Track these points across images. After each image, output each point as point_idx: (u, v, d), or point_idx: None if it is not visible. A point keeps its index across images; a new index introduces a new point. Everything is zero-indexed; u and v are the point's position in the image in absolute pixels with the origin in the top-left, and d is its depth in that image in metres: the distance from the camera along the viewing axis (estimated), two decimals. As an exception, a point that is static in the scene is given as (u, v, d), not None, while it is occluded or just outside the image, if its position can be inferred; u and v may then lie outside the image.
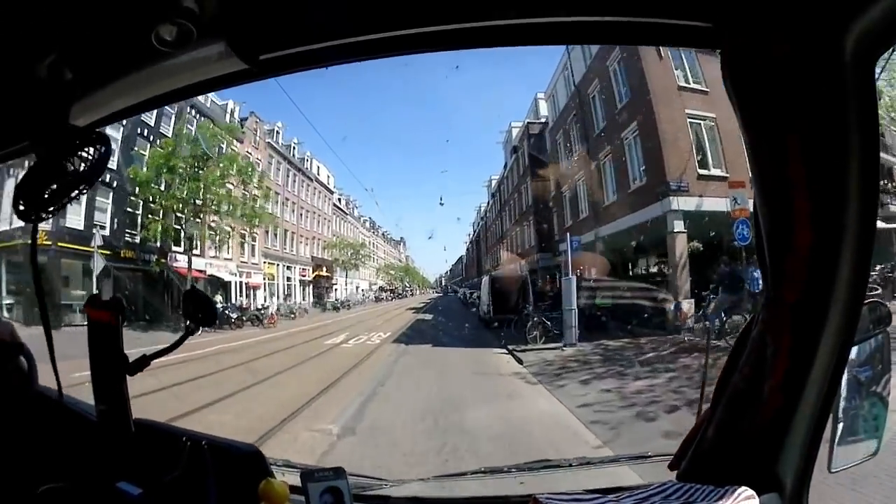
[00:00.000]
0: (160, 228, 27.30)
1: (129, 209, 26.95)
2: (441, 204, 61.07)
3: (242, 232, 33.48)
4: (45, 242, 20.12)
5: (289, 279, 41.75)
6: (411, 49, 1.42)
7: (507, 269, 35.07)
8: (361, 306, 46.58)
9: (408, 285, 68.05)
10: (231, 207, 29.96)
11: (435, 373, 13.71)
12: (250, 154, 36.23)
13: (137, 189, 26.40)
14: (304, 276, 43.62)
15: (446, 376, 13.23)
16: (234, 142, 32.68)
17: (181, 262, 29.39)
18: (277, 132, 41.14)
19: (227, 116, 33.98)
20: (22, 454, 1.56)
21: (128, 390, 1.53)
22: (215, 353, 15.57)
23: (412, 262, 73.96)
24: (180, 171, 27.04)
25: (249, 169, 31.65)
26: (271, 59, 1.39)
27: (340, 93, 64.50)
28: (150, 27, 1.18)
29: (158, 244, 28.28)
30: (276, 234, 40.08)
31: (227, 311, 26.66)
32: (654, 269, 22.92)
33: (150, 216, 27.67)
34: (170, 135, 27.92)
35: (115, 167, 24.42)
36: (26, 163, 1.61)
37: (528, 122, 36.73)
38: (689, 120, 20.11)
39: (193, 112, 30.14)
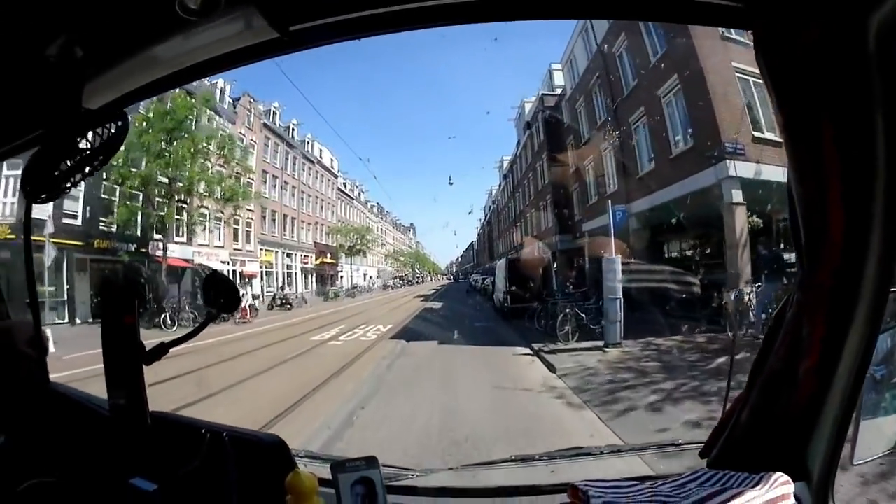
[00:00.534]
0: (128, 213, 24.25)
1: (104, 195, 23.97)
2: (450, 183, 57.60)
3: (221, 214, 30.71)
4: (8, 236, 18.77)
5: (289, 267, 39.31)
6: (443, 20, 1.39)
7: (526, 251, 31.41)
8: (368, 294, 44.11)
9: (418, 272, 65.96)
10: (207, 185, 26.86)
11: (437, 386, 9.92)
12: (244, 135, 33.91)
13: (110, 172, 23.37)
14: (305, 263, 41.27)
15: (453, 392, 9.37)
16: (216, 116, 29.65)
17: (171, 251, 26.65)
18: (274, 112, 38.77)
19: (217, 94, 31.10)
20: (30, 450, 1.52)
21: (144, 381, 1.40)
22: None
23: (422, 249, 72.20)
24: (150, 147, 23.97)
25: (228, 142, 28.46)
26: (302, 30, 1.33)
27: (346, 75, 62.44)
28: None
29: (138, 232, 25.57)
30: (273, 220, 37.61)
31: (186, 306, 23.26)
32: (703, 249, 18.87)
33: (120, 200, 24.60)
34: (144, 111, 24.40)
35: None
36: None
37: (543, 94, 33.48)
38: (736, 74, 16.08)
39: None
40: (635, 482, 1.30)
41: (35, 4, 1.11)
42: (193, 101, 25.53)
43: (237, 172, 30.11)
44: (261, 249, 35.22)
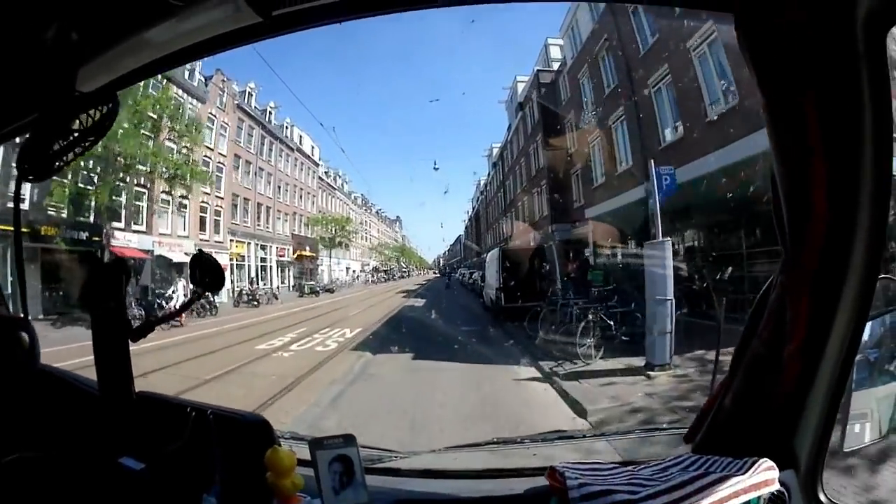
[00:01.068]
0: (62, 192, 20.65)
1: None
2: (435, 168, 53.26)
3: (187, 201, 27.87)
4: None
5: (263, 260, 35.72)
6: (425, 2, 1.42)
7: (523, 241, 27.30)
8: (348, 289, 40.26)
9: (404, 266, 62.21)
10: (150, 162, 23.41)
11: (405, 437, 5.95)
12: (214, 116, 30.80)
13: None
14: (281, 255, 37.64)
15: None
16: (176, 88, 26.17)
17: (127, 241, 23.78)
18: (250, 94, 35.27)
19: (185, 74, 27.84)
20: (17, 426, 1.51)
21: (130, 358, 1.43)
22: None
23: (409, 243, 68.19)
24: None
25: (176, 111, 24.86)
26: (285, 15, 1.36)
27: (327, 58, 58.70)
28: None
29: (91, 219, 22.52)
30: (246, 208, 34.11)
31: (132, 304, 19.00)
32: (754, 233, 14.63)
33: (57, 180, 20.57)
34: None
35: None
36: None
37: (539, 70, 29.68)
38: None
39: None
40: (616, 465, 1.30)
41: None
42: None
43: (187, 147, 26.62)
44: (231, 240, 31.84)
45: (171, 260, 25.67)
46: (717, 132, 13.72)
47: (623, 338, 9.85)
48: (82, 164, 20.58)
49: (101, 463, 1.34)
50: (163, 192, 26.23)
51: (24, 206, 17.85)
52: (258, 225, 35.24)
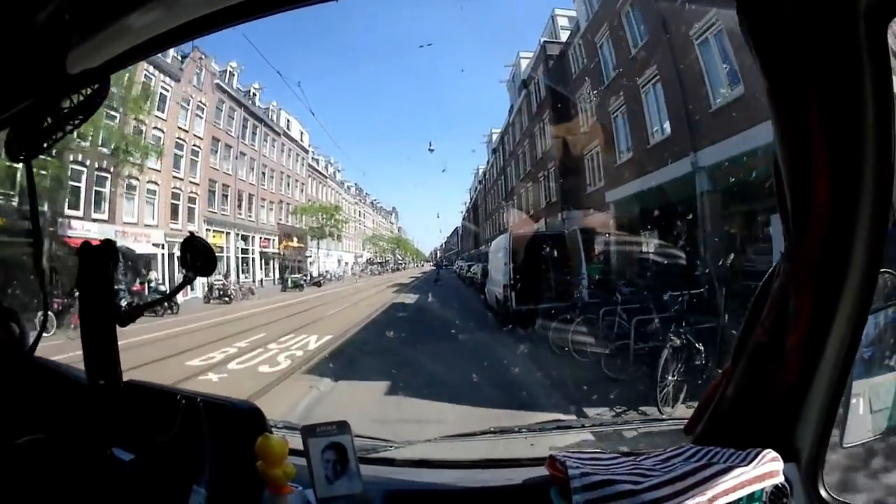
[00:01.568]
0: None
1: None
2: (431, 150, 49.71)
3: (156, 187, 25.67)
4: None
5: (245, 251, 32.96)
6: None
7: (539, 227, 23.38)
8: (338, 283, 37.27)
9: (400, 258, 58.97)
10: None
11: None
12: (191, 96, 28.34)
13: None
14: (265, 247, 34.61)
15: None
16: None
17: (86, 230, 21.01)
18: (231, 73, 32.40)
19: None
20: (16, 415, 1.49)
21: (118, 344, 1.42)
22: None
23: (405, 234, 64.60)
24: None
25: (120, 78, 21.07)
26: None
27: (317, 40, 55.48)
28: None
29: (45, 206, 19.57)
30: (225, 195, 31.24)
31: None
32: None
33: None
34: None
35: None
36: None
37: (546, 41, 26.59)
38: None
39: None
40: (616, 455, 1.27)
41: None
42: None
43: (137, 119, 23.78)
44: (207, 230, 28.74)
45: (134, 252, 23.14)
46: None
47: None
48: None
49: (92, 454, 1.32)
50: (128, 176, 23.96)
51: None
52: (239, 213, 32.46)
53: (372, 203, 54.83)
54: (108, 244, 1.38)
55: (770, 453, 1.11)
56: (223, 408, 1.32)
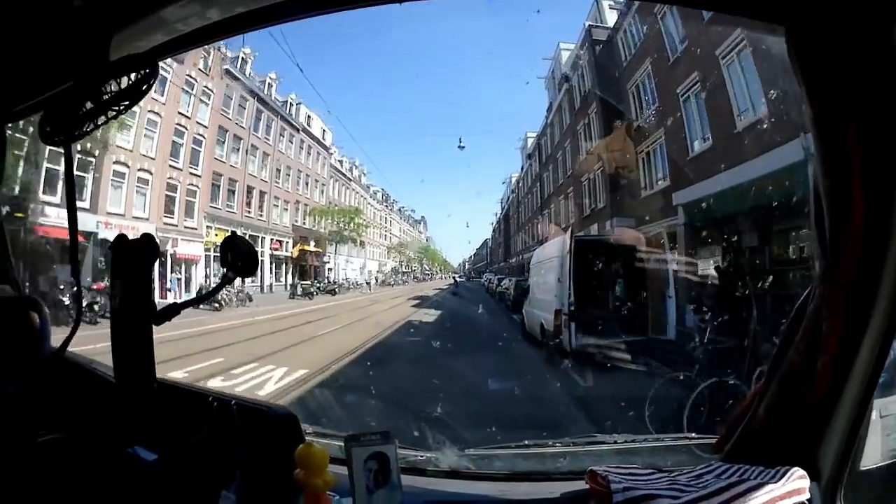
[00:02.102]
0: None
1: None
2: (461, 147, 47.28)
3: (148, 175, 23.33)
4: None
5: None
6: None
7: (628, 231, 16.25)
8: (356, 291, 34.20)
9: (427, 268, 57.24)
10: None
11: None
12: (195, 80, 25.57)
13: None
14: (276, 249, 31.57)
15: None
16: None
17: (61, 218, 16.80)
18: (244, 60, 29.71)
19: None
20: (42, 410, 1.43)
21: (153, 343, 1.28)
22: None
23: (434, 245, 63.00)
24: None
25: None
26: None
27: (344, 48, 52.48)
28: None
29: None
30: (231, 190, 28.41)
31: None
32: None
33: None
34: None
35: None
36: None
37: (591, 26, 23.30)
38: None
39: None
40: (652, 471, 1.25)
41: None
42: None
43: None
44: (208, 227, 26.29)
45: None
46: None
47: None
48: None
49: (110, 451, 1.31)
50: (116, 161, 21.45)
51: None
52: (248, 212, 29.52)
53: (400, 210, 52.32)
54: (146, 238, 1.24)
55: (798, 471, 1.12)
56: (259, 412, 1.31)
